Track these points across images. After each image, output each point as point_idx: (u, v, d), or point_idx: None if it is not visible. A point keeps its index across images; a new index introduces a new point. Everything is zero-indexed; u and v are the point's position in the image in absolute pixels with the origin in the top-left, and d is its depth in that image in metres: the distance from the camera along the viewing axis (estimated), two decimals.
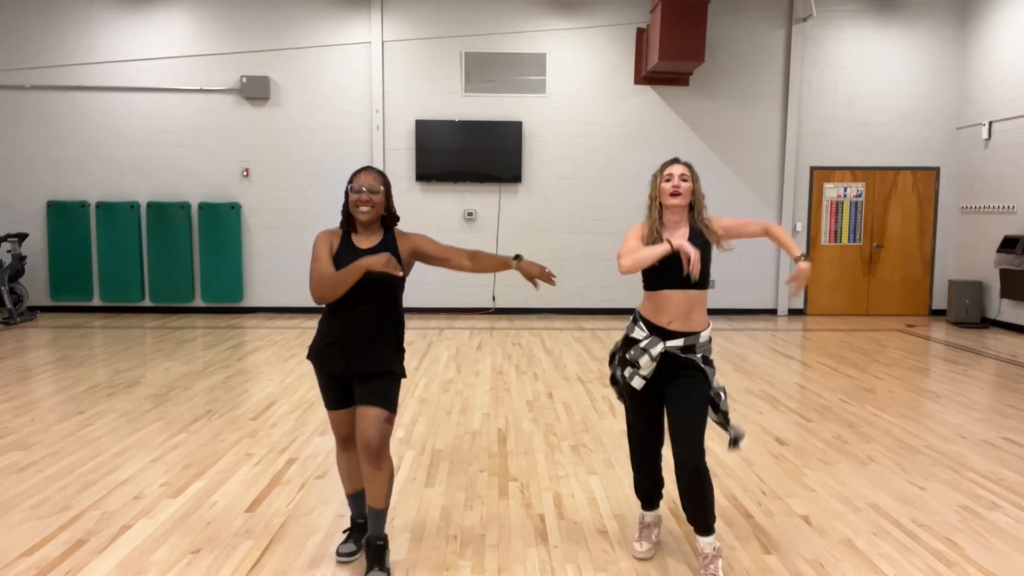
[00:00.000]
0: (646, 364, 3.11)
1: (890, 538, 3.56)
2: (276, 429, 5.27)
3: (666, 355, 3.12)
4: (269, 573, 3.20)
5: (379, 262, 2.87)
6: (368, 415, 3.01)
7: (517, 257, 3.22)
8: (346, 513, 3.80)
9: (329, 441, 4.99)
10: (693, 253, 2.99)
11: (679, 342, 3.12)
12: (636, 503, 3.95)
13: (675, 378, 3.13)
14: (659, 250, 3.05)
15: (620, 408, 5.84)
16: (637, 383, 3.14)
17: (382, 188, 3.09)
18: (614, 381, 3.40)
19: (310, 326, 9.81)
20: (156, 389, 6.37)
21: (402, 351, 3.21)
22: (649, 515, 3.45)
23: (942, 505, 3.97)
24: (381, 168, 10.75)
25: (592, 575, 3.21)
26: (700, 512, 3.10)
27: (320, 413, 5.66)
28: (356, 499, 3.38)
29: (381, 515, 3.14)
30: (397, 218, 3.21)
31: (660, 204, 3.23)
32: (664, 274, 3.11)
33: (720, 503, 3.96)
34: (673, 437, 3.09)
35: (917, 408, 5.98)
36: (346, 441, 3.27)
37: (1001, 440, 5.11)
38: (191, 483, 4.20)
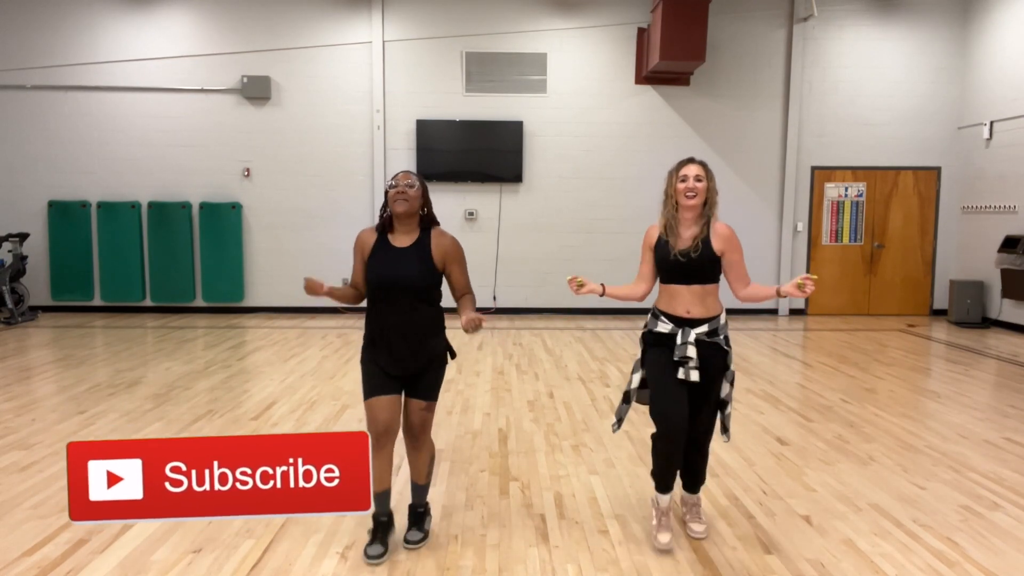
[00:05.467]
0: (694, 354, 3.26)
1: (891, 538, 3.55)
2: (277, 429, 5.26)
3: (696, 341, 3.31)
4: (270, 573, 3.20)
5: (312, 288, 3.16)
6: (413, 406, 3.33)
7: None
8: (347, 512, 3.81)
9: None
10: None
11: (704, 328, 3.31)
12: (636, 503, 3.96)
13: (702, 361, 3.30)
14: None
15: None
16: (695, 375, 3.26)
17: (418, 184, 3.27)
18: (627, 399, 3.53)
19: (311, 326, 9.81)
20: (157, 389, 6.38)
21: (445, 340, 3.39)
22: (665, 499, 3.46)
23: (943, 505, 3.96)
24: (383, 169, 10.80)
25: (593, 575, 3.21)
26: (699, 479, 3.59)
27: (321, 412, 5.67)
28: (381, 498, 3.35)
29: (422, 489, 3.49)
30: (436, 222, 3.39)
31: (675, 201, 3.35)
32: (674, 272, 3.33)
33: (721, 503, 3.96)
34: (694, 416, 3.34)
35: (918, 408, 5.98)
36: (381, 437, 3.24)
37: (1002, 440, 5.11)
38: None
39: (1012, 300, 9.87)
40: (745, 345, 8.67)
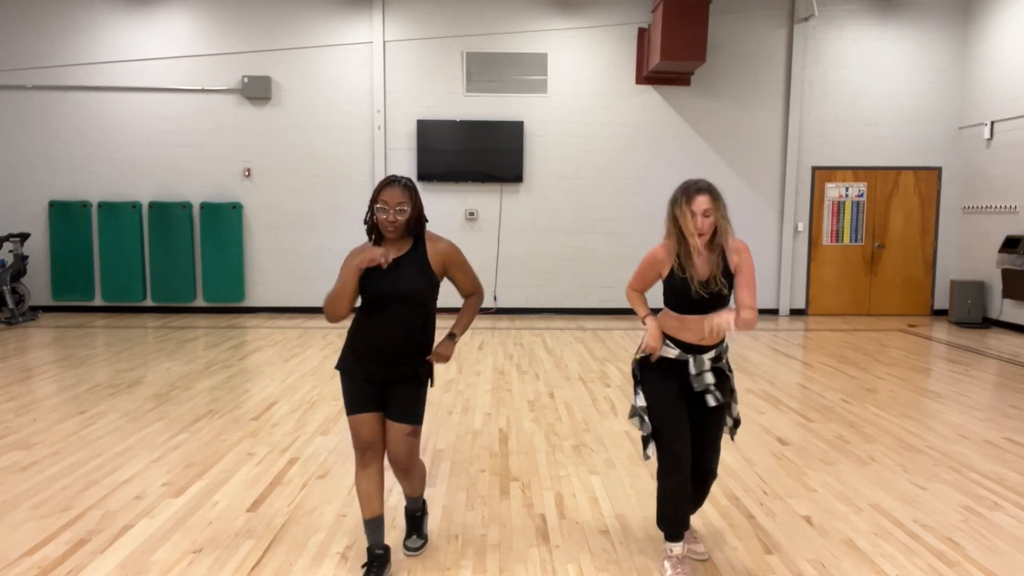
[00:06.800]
0: (712, 380, 3.09)
1: (892, 538, 3.55)
2: (278, 429, 5.27)
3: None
4: (270, 573, 3.20)
5: (365, 258, 2.89)
6: (397, 432, 3.06)
7: (451, 335, 3.24)
8: (348, 512, 3.81)
9: (330, 441, 4.99)
10: (651, 343, 3.09)
11: (712, 354, 3.12)
12: (637, 503, 3.96)
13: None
14: (642, 316, 3.19)
15: (622, 408, 5.84)
16: (712, 401, 3.08)
17: (409, 208, 2.96)
18: (638, 413, 3.24)
19: (311, 326, 9.81)
20: (158, 389, 6.38)
21: (428, 361, 3.16)
22: (679, 547, 3.15)
23: (944, 505, 3.96)
24: (383, 169, 10.77)
25: (593, 575, 3.21)
26: (698, 501, 3.35)
27: (321, 412, 5.67)
28: (374, 526, 3.12)
29: (417, 499, 3.40)
30: (426, 220, 3.09)
31: (681, 232, 3.04)
32: (693, 306, 3.05)
33: (721, 503, 3.96)
34: (700, 443, 3.13)
35: (919, 408, 5.98)
36: (366, 452, 3.06)
37: (1003, 440, 5.11)
38: (193, 483, 4.21)
39: (1013, 300, 9.87)
40: (746, 345, 8.67)
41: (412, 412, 3.08)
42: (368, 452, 3.08)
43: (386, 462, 3.17)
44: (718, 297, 3.04)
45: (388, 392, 3.07)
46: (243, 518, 3.74)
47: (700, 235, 3.00)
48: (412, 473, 3.18)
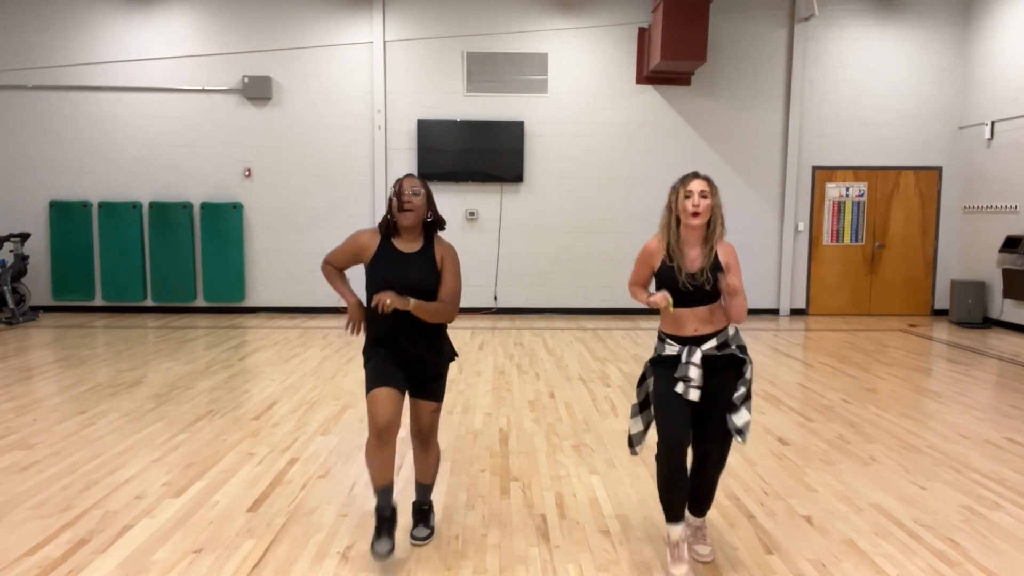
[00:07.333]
0: (696, 375, 3.08)
1: (892, 538, 3.55)
2: (278, 429, 5.27)
3: (704, 358, 3.14)
4: (271, 573, 3.20)
5: (352, 315, 3.32)
6: (422, 408, 3.37)
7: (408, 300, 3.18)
8: (348, 512, 3.81)
9: (331, 441, 4.99)
10: (661, 299, 3.08)
11: (713, 343, 3.14)
12: (637, 502, 3.96)
13: (714, 377, 3.14)
14: (645, 298, 3.22)
15: (622, 408, 5.84)
16: (694, 395, 3.06)
17: (423, 191, 3.26)
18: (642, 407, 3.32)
19: (312, 326, 9.81)
20: (158, 389, 6.38)
21: (448, 343, 3.44)
22: (677, 530, 3.15)
23: (944, 505, 3.96)
24: (384, 169, 10.79)
25: (594, 575, 3.21)
26: (706, 503, 3.34)
27: (321, 412, 5.67)
28: (385, 492, 3.22)
29: (427, 488, 3.55)
30: (444, 224, 3.37)
31: (677, 218, 3.13)
32: (680, 298, 3.10)
33: (722, 503, 3.96)
34: (705, 434, 3.17)
35: (919, 408, 5.97)
36: (382, 433, 3.12)
37: (1003, 440, 5.11)
38: (193, 483, 4.21)
39: (1013, 300, 9.86)
40: (747, 345, 8.64)
41: (437, 392, 3.38)
42: (384, 433, 3.13)
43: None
44: (701, 291, 3.10)
45: (413, 375, 3.31)
46: (243, 518, 3.74)
47: (695, 214, 3.07)
48: (431, 445, 3.45)
